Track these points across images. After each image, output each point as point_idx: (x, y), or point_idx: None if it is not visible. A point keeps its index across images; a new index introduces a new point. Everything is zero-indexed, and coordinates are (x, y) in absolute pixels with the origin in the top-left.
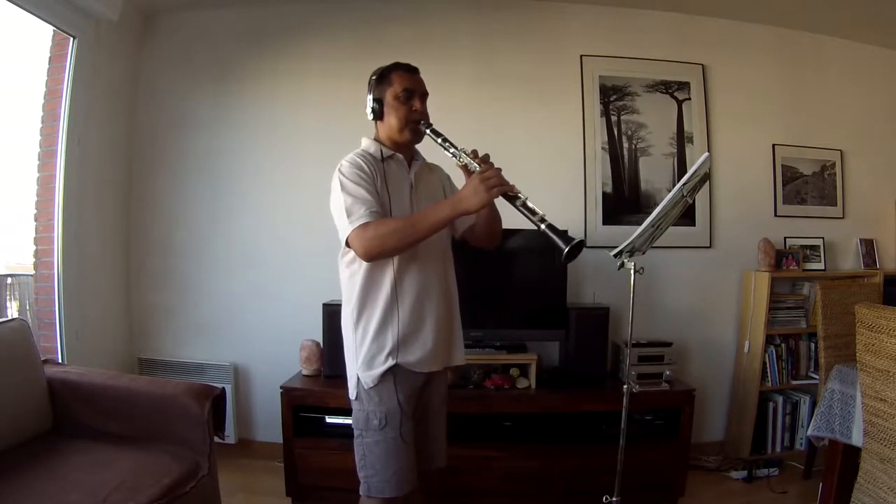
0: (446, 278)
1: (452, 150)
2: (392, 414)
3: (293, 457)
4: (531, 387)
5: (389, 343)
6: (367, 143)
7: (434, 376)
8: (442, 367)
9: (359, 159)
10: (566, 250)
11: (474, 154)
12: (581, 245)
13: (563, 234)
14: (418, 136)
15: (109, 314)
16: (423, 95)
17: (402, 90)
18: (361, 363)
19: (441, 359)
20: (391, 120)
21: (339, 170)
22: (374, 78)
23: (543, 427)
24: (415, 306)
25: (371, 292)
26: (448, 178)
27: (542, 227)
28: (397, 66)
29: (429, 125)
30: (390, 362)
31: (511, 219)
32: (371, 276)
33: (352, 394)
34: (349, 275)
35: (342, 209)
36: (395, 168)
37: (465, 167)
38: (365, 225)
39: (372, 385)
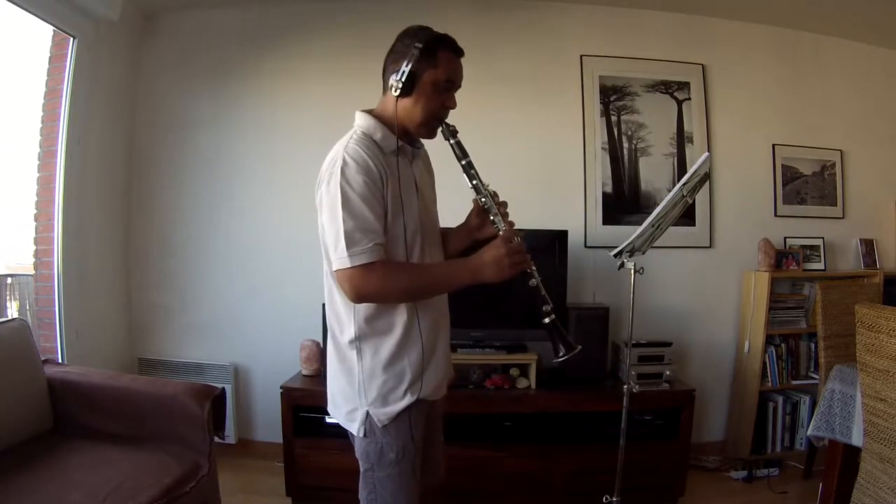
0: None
1: (475, 181)
2: (409, 447)
3: (293, 457)
4: (531, 387)
5: (409, 374)
6: (371, 126)
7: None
8: (448, 387)
9: (367, 156)
10: (563, 357)
11: (495, 197)
12: (578, 352)
13: (565, 338)
14: (432, 136)
15: (109, 314)
16: (458, 89)
17: (445, 79)
18: (374, 399)
19: (447, 378)
20: (417, 108)
21: (343, 172)
22: (418, 46)
23: (543, 427)
24: (433, 328)
25: (382, 316)
26: (433, 175)
27: (547, 320)
28: (446, 43)
29: (454, 133)
30: (409, 398)
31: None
32: None
33: (357, 431)
34: None
35: (339, 232)
36: (402, 163)
37: (480, 208)
38: (369, 266)
39: (388, 422)
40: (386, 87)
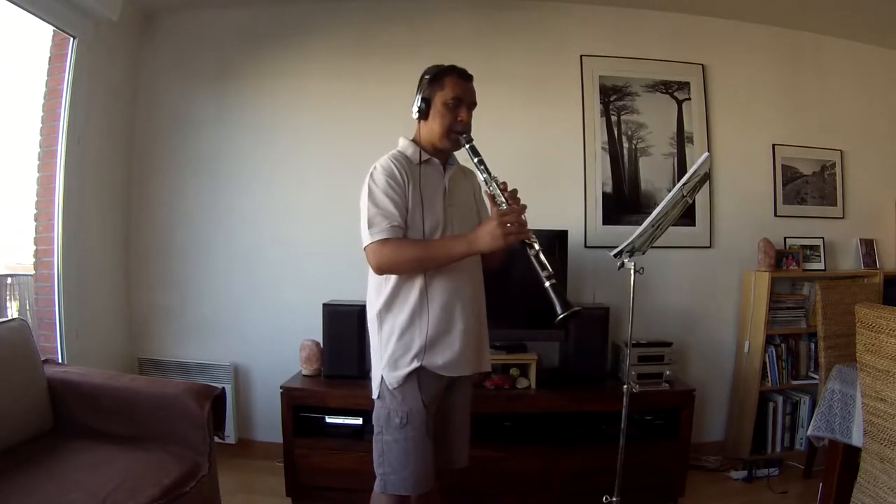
0: (476, 283)
1: (485, 175)
2: (414, 413)
3: (293, 457)
4: (531, 387)
5: (416, 345)
6: (404, 145)
7: (459, 379)
8: (471, 373)
9: (393, 165)
10: (561, 316)
11: (504, 187)
12: (578, 313)
13: (563, 298)
14: (457, 147)
15: (109, 314)
16: (471, 105)
17: (452, 97)
18: (386, 363)
19: (470, 364)
20: (434, 124)
21: (371, 175)
22: (427, 77)
23: (543, 427)
24: (445, 309)
25: (401, 293)
26: (479, 187)
27: (547, 284)
28: (453, 71)
29: (469, 140)
30: (415, 364)
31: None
32: (402, 276)
33: (374, 393)
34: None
35: (365, 217)
36: (430, 172)
37: (492, 197)
38: (383, 241)
39: (396, 385)
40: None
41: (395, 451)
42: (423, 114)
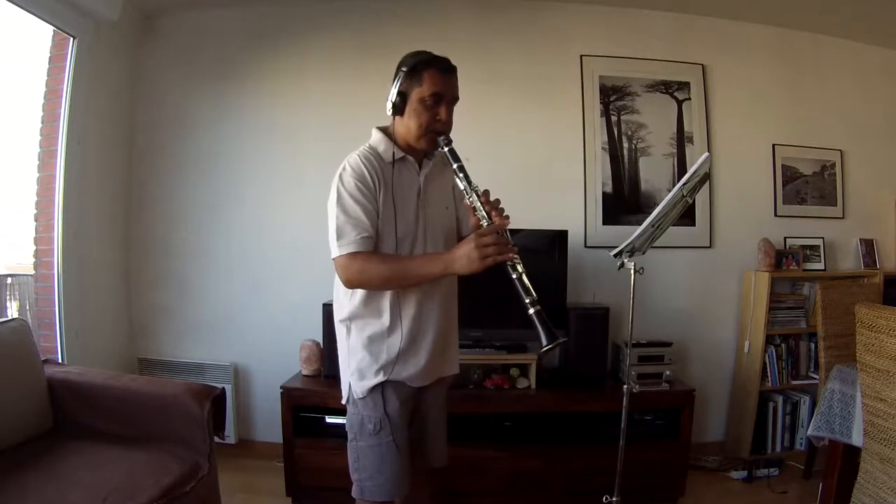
0: (447, 292)
1: (464, 184)
2: (385, 421)
3: (293, 457)
4: (531, 387)
5: (383, 357)
6: (377, 140)
7: (428, 385)
8: (434, 380)
9: (363, 165)
10: (546, 347)
11: (486, 198)
12: (563, 343)
13: (548, 327)
14: (435, 147)
15: (109, 314)
16: (453, 100)
17: (430, 94)
18: (353, 371)
19: (433, 373)
20: (411, 122)
21: (340, 177)
22: (404, 69)
23: (543, 427)
24: (414, 324)
25: (369, 304)
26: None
27: (531, 311)
28: (432, 64)
29: (448, 143)
30: (381, 377)
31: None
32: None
33: (344, 398)
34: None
35: (333, 225)
36: (405, 171)
37: (473, 209)
38: (353, 255)
39: (363, 395)
40: None
41: (370, 456)
42: (398, 109)
